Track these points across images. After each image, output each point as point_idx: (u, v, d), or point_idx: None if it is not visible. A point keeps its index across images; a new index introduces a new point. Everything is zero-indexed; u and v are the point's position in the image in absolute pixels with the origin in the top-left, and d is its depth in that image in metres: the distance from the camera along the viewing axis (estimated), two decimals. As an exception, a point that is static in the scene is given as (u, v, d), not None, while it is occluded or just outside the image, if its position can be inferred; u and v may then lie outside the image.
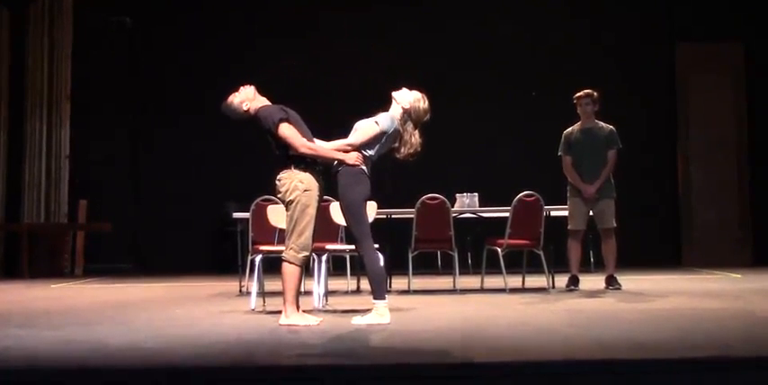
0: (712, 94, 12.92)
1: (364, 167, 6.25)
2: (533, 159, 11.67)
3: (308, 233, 6.14)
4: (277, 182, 6.23)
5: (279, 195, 6.27)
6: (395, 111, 6.42)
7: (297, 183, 6.13)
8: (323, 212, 6.94)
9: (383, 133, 6.28)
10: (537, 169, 10.89)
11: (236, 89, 6.41)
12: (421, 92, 6.50)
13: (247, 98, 6.35)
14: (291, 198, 6.13)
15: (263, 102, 6.38)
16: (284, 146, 6.19)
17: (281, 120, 6.17)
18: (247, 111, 6.33)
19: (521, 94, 13.20)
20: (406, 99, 6.42)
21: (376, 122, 6.28)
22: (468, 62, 13.24)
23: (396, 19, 13.36)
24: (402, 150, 6.38)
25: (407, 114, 6.38)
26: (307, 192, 6.12)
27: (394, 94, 6.50)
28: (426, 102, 6.45)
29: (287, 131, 6.16)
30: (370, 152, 6.29)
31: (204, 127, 13.21)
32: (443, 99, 12.75)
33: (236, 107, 6.36)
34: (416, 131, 6.40)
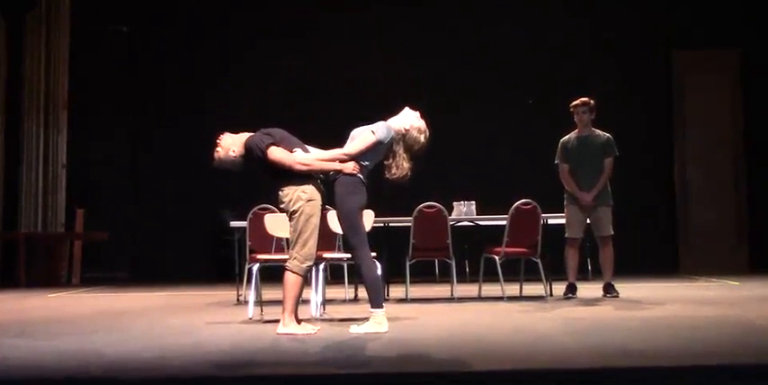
0: (709, 95, 12.94)
1: (361, 176, 6.25)
2: (531, 167, 11.68)
3: (312, 243, 6.15)
4: (280, 192, 6.22)
5: (282, 206, 6.26)
6: (395, 122, 6.40)
7: (300, 194, 6.13)
8: (322, 221, 6.93)
9: (379, 142, 6.27)
10: (534, 177, 10.89)
11: (214, 144, 6.38)
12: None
13: (229, 145, 6.35)
14: (295, 208, 6.13)
15: (244, 137, 6.37)
16: (277, 172, 6.19)
17: (269, 146, 6.18)
18: (237, 155, 6.33)
19: (519, 98, 13.21)
20: (410, 122, 6.40)
21: (372, 132, 6.27)
22: (467, 62, 13.24)
23: (396, 19, 13.36)
24: (393, 171, 6.37)
25: (402, 135, 6.37)
26: (310, 201, 6.13)
27: (407, 108, 6.48)
28: (425, 137, 6.41)
29: (277, 154, 6.17)
30: (366, 162, 6.29)
31: (203, 132, 13.11)
32: (443, 101, 12.89)
33: (225, 159, 6.37)
34: (406, 156, 6.38)
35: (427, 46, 13.24)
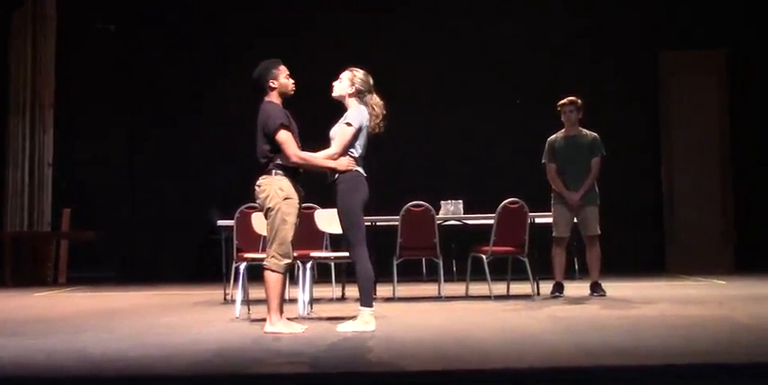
0: (697, 96, 12.95)
1: (360, 169, 6.25)
2: (519, 166, 11.68)
3: (289, 240, 6.13)
4: (257, 187, 6.22)
5: (258, 201, 6.25)
6: (352, 104, 6.36)
7: (277, 191, 6.11)
8: (307, 220, 6.90)
9: (360, 129, 6.27)
10: (522, 176, 10.89)
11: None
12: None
13: (280, 84, 6.27)
14: (271, 205, 6.12)
15: (277, 98, 6.29)
16: (270, 147, 6.17)
17: (282, 126, 6.13)
18: (268, 86, 6.26)
19: (511, 98, 13.21)
20: (346, 85, 6.39)
21: (348, 123, 6.26)
22: (467, 62, 13.22)
23: (396, 19, 13.33)
24: (370, 123, 6.36)
25: (360, 92, 6.36)
26: (287, 200, 6.11)
27: (335, 95, 6.42)
28: (360, 70, 6.42)
29: (284, 137, 6.12)
30: (358, 152, 6.28)
31: (195, 134, 13.21)
32: (440, 101, 12.90)
33: (269, 73, 6.27)
34: (374, 96, 6.38)
35: (427, 46, 13.22)
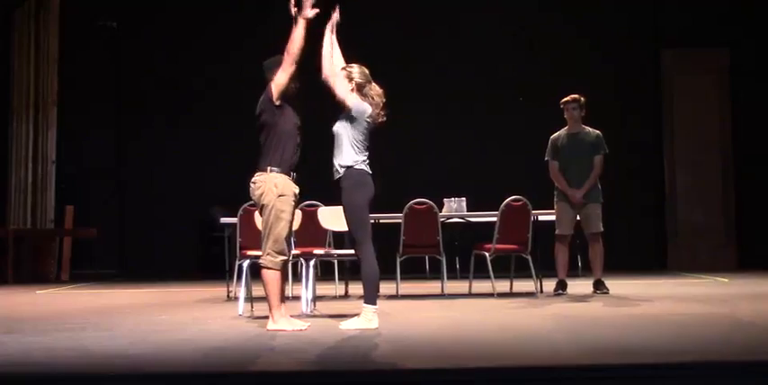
0: (698, 95, 12.94)
1: (366, 167, 6.23)
2: (522, 164, 11.67)
3: (284, 237, 6.13)
4: (252, 184, 6.22)
5: (253, 198, 6.26)
6: (353, 98, 6.32)
7: (271, 187, 6.11)
8: (310, 217, 6.87)
9: (363, 112, 6.24)
10: (525, 173, 10.88)
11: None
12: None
13: (281, 80, 6.25)
14: (265, 202, 6.12)
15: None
16: (266, 132, 6.17)
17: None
18: (272, 76, 6.28)
19: (511, 97, 13.18)
20: (344, 82, 6.36)
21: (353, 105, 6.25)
22: (462, 64, 13.20)
23: (396, 19, 13.30)
24: (372, 113, 6.33)
25: (360, 86, 6.35)
26: (281, 197, 6.11)
27: (339, 98, 6.36)
28: (352, 65, 6.49)
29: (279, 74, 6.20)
30: (364, 152, 6.25)
31: (193, 131, 13.18)
32: (438, 100, 12.85)
33: (276, 67, 6.31)
34: (374, 86, 6.37)
35: (427, 46, 13.18)
